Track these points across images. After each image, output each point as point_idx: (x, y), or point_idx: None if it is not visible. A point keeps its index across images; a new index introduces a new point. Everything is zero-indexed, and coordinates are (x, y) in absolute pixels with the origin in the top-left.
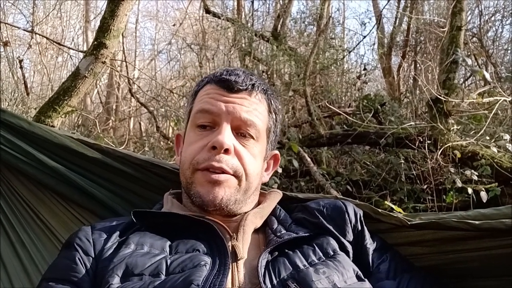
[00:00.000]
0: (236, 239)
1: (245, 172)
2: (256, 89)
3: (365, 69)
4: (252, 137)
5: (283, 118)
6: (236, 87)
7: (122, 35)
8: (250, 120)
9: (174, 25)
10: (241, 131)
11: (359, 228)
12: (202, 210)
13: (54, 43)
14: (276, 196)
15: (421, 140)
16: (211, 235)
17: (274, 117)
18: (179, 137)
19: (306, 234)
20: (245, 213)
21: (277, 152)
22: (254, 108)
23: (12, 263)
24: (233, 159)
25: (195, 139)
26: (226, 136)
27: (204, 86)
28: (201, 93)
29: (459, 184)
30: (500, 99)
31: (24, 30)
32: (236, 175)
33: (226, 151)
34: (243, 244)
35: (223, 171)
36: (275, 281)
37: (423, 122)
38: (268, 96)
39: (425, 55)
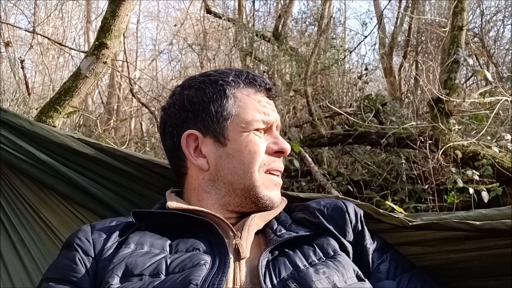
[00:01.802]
0: (240, 238)
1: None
2: (278, 95)
3: (366, 69)
4: None
5: (284, 118)
6: (274, 95)
7: (123, 35)
8: (280, 125)
9: (175, 25)
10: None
11: (360, 228)
12: (262, 208)
13: (56, 44)
14: (282, 203)
15: (422, 140)
16: (211, 233)
17: None
18: (190, 137)
19: (307, 233)
20: (251, 213)
21: None
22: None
23: (13, 263)
24: None
25: (256, 141)
26: (285, 141)
27: (242, 89)
28: (244, 97)
29: (460, 184)
30: (501, 99)
31: (25, 30)
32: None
33: None
34: (247, 243)
35: (281, 173)
36: (275, 281)
37: (424, 122)
38: None
39: (426, 55)
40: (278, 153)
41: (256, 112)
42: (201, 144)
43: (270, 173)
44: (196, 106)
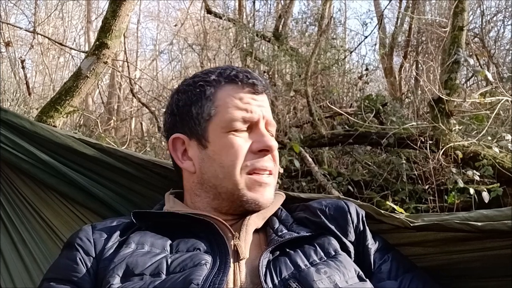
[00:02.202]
0: (238, 238)
1: (277, 170)
2: (268, 90)
3: (366, 69)
4: (273, 135)
5: (284, 119)
6: (261, 90)
7: (124, 35)
8: (273, 122)
9: (175, 25)
10: (269, 131)
11: (361, 228)
12: (248, 212)
13: (56, 44)
14: (279, 198)
15: (423, 140)
16: (212, 233)
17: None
18: (177, 141)
19: (308, 234)
20: (247, 213)
21: None
22: (270, 108)
23: (14, 262)
24: (271, 156)
25: (237, 142)
26: (271, 138)
27: (222, 88)
28: (224, 96)
29: (461, 184)
30: (502, 99)
31: (26, 30)
32: (273, 172)
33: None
34: (245, 243)
35: (269, 171)
36: (276, 281)
37: (425, 122)
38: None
39: (426, 55)
40: (263, 151)
41: (236, 111)
42: (188, 147)
43: (254, 173)
44: (181, 109)
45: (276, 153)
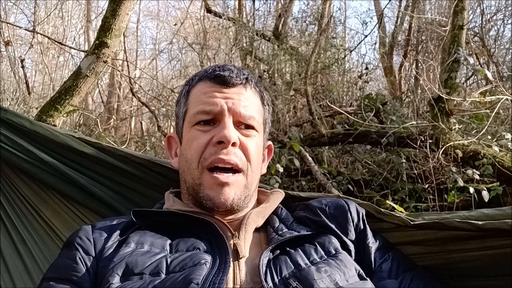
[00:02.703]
0: (238, 238)
1: (250, 164)
2: (250, 82)
3: (366, 68)
4: (254, 128)
5: (284, 118)
6: (232, 82)
7: (124, 34)
8: (249, 115)
9: (175, 24)
10: (243, 124)
11: (361, 227)
12: (206, 209)
13: (56, 43)
14: (278, 196)
15: (423, 139)
16: (212, 233)
17: (267, 108)
18: (171, 139)
19: (308, 233)
20: (248, 211)
21: (270, 142)
22: (250, 102)
23: (14, 262)
24: (239, 151)
25: (198, 135)
26: (232, 130)
27: (196, 85)
28: (195, 92)
29: (460, 183)
30: (502, 98)
31: (25, 29)
32: (243, 170)
33: (233, 144)
34: (245, 242)
35: (233, 164)
36: (276, 280)
37: (425, 121)
38: (260, 89)
39: (426, 54)
40: (222, 143)
41: (199, 105)
42: (177, 145)
43: (212, 170)
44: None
45: (248, 145)
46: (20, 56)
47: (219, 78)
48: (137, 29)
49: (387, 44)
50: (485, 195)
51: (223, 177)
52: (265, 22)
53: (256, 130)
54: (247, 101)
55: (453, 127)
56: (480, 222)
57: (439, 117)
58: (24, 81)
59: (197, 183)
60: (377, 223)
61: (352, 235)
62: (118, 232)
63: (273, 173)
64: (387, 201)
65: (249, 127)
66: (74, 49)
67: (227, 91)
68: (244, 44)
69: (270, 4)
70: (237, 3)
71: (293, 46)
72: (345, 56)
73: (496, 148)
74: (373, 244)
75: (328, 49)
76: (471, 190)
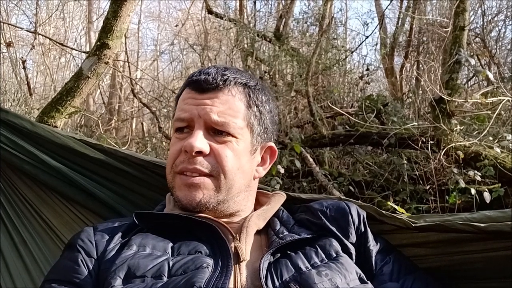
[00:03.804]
0: (239, 241)
1: (223, 170)
2: (229, 84)
3: (367, 69)
4: (230, 134)
5: (285, 119)
6: (206, 87)
7: (125, 35)
8: (221, 121)
9: (176, 25)
10: (216, 130)
11: (362, 229)
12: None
13: (57, 44)
14: (280, 198)
15: (424, 140)
16: (214, 236)
17: (256, 109)
18: None
19: (309, 236)
20: (249, 214)
21: (271, 144)
22: (227, 107)
23: (15, 264)
24: (209, 158)
25: (174, 142)
26: (198, 139)
27: (183, 91)
28: (180, 98)
29: (462, 184)
30: (503, 99)
31: (27, 31)
32: (212, 175)
33: (200, 153)
34: (246, 245)
35: (199, 173)
36: (277, 283)
37: (426, 123)
38: (247, 89)
39: (427, 55)
40: (186, 152)
41: (178, 111)
42: None
43: (183, 173)
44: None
45: (221, 152)
46: (22, 57)
47: (194, 84)
48: (138, 30)
49: (388, 45)
50: (487, 196)
51: (189, 179)
52: (266, 23)
53: (233, 136)
54: (222, 105)
55: (455, 128)
56: (482, 224)
57: (441, 118)
58: (26, 82)
59: (171, 186)
60: (378, 225)
61: (353, 238)
62: (120, 234)
63: (274, 174)
64: (388, 202)
65: (223, 133)
66: (76, 50)
67: (200, 97)
68: (245, 45)
69: (271, 5)
70: (238, 4)
71: (294, 47)
72: (346, 57)
73: (498, 149)
74: (374, 247)
75: (329, 50)
76: (473, 191)
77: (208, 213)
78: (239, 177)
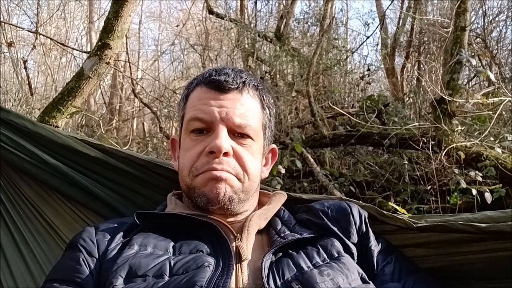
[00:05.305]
0: (240, 240)
1: (246, 173)
2: (247, 86)
3: (368, 69)
4: (250, 137)
5: (286, 119)
6: (227, 87)
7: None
8: (244, 123)
9: (177, 25)
10: (237, 133)
11: (364, 229)
12: (205, 211)
13: (58, 44)
14: (281, 198)
15: (425, 141)
16: (215, 235)
17: (268, 112)
18: (174, 142)
19: (310, 235)
20: (250, 214)
21: (274, 146)
22: (247, 109)
23: (16, 263)
24: (233, 160)
25: (192, 145)
26: (224, 139)
27: (194, 89)
28: (192, 97)
29: (463, 185)
30: (504, 100)
31: (28, 31)
32: (237, 177)
33: (226, 154)
34: (247, 245)
35: (227, 171)
36: (279, 283)
37: (427, 123)
38: (260, 92)
39: (428, 55)
40: (213, 153)
41: (194, 111)
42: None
43: (206, 171)
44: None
45: (243, 155)
46: (23, 57)
47: (214, 83)
48: (139, 31)
49: (389, 46)
50: (488, 197)
51: (215, 173)
52: (267, 23)
53: (252, 139)
54: (243, 107)
55: (456, 129)
56: (483, 225)
57: (442, 118)
58: (27, 82)
59: (191, 187)
60: (379, 225)
61: (355, 238)
62: (121, 234)
63: (275, 174)
64: (389, 203)
65: (244, 135)
66: (77, 50)
67: (222, 98)
68: (246, 45)
69: (272, 5)
70: (239, 4)
71: (295, 47)
72: (347, 57)
73: (499, 150)
74: (375, 247)
75: (330, 50)
76: (474, 192)
77: (221, 210)
78: (257, 179)
